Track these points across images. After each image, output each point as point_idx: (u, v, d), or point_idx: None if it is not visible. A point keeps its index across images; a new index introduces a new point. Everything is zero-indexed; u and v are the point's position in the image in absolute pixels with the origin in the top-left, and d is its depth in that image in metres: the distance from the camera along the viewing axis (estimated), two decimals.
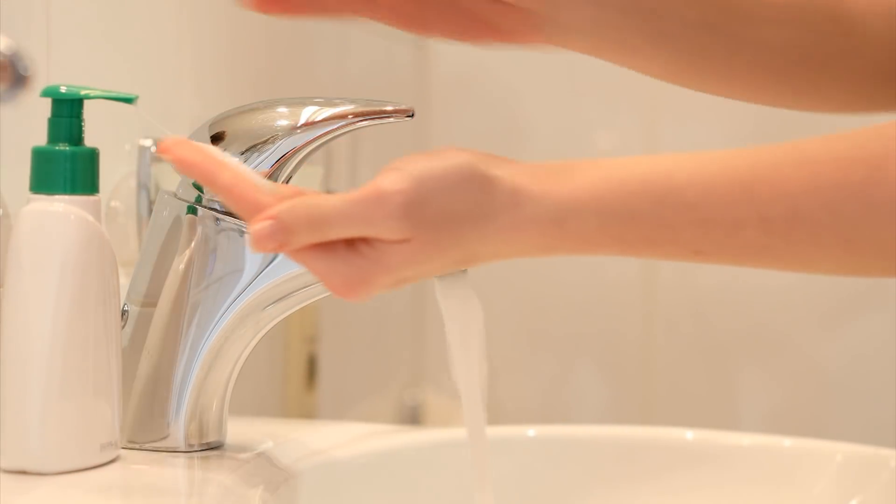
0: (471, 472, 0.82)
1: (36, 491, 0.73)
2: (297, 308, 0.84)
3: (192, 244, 0.83)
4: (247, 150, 0.82)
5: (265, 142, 0.82)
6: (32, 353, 0.75)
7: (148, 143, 1.05)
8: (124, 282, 0.82)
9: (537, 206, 0.70)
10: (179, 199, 0.83)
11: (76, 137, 0.77)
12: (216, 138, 0.82)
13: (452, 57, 1.95)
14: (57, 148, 0.76)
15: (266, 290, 0.82)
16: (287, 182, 0.84)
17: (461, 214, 0.70)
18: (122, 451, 0.80)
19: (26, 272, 0.75)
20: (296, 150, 0.82)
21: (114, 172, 1.03)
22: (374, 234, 0.70)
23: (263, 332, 0.84)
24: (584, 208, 0.70)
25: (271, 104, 0.83)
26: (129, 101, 0.78)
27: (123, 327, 0.83)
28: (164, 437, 0.83)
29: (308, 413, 1.43)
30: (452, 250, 0.71)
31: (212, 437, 0.85)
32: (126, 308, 0.84)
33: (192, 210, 0.83)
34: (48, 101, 0.77)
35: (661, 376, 1.91)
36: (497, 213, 0.71)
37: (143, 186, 1.05)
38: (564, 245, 0.71)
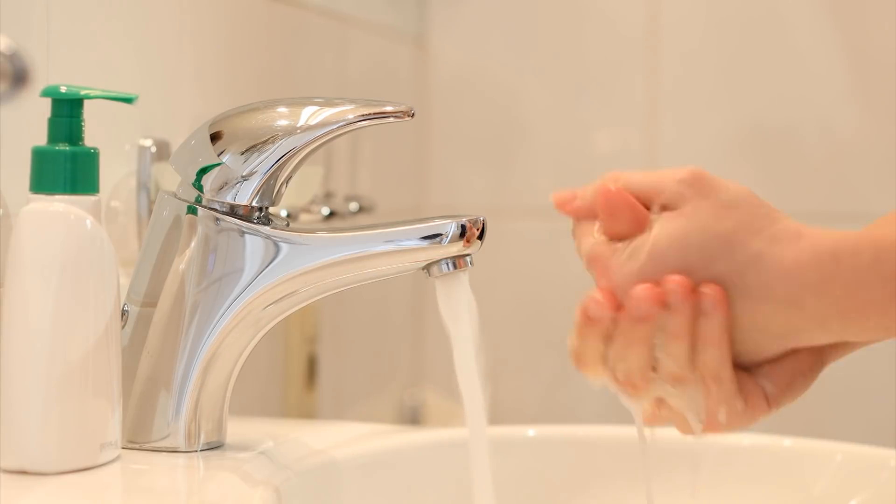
0: (471, 472, 0.82)
1: (36, 491, 0.73)
2: (297, 308, 0.84)
3: (192, 244, 0.83)
4: (247, 150, 0.82)
5: (265, 142, 0.82)
6: (32, 353, 0.75)
7: (148, 143, 1.05)
8: (124, 282, 0.82)
9: (818, 240, 0.71)
10: (179, 199, 0.83)
11: (76, 137, 0.77)
12: (216, 138, 0.82)
13: (452, 57, 1.95)
14: (57, 148, 0.76)
15: (266, 290, 0.82)
16: (287, 183, 0.84)
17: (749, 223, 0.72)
18: (122, 451, 0.80)
19: (26, 272, 0.75)
20: (296, 150, 0.82)
21: (114, 172, 1.03)
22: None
23: (263, 332, 0.84)
24: (860, 243, 0.70)
25: (271, 104, 0.83)
26: (129, 101, 0.78)
27: (123, 327, 0.83)
28: (164, 437, 0.83)
29: (308, 413, 1.43)
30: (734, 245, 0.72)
31: (212, 437, 0.85)
32: (126, 308, 0.84)
33: (192, 210, 0.83)
34: (48, 101, 0.77)
35: None
36: (779, 237, 0.72)
37: (143, 186, 1.05)
38: (836, 281, 0.70)
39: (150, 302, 0.83)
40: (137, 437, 0.83)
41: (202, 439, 0.84)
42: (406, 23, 1.89)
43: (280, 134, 0.82)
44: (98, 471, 0.77)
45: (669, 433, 1.01)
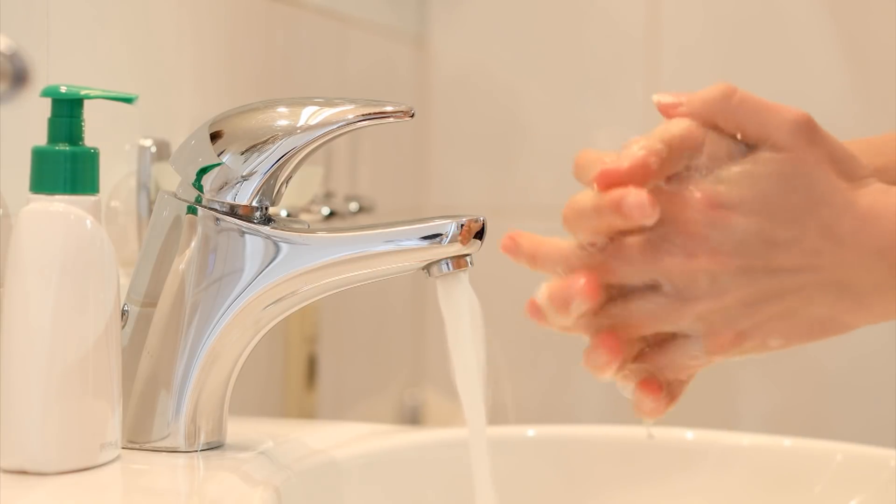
0: (471, 472, 0.82)
1: (36, 491, 0.73)
2: (297, 308, 0.84)
3: (192, 244, 0.83)
4: (247, 150, 0.82)
5: (265, 142, 0.82)
6: (32, 353, 0.75)
7: (148, 143, 1.05)
8: (124, 282, 0.82)
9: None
10: (179, 199, 0.83)
11: (76, 137, 0.77)
12: (216, 138, 0.82)
13: (452, 57, 1.95)
14: (57, 148, 0.76)
15: (266, 290, 0.82)
16: (287, 183, 0.84)
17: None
18: (122, 451, 0.80)
19: (26, 272, 0.75)
20: (296, 150, 0.82)
21: (114, 172, 1.03)
22: None
23: (263, 332, 0.84)
24: None
25: (271, 104, 0.83)
26: (129, 101, 0.78)
27: (123, 327, 0.83)
28: (164, 437, 0.83)
29: (308, 413, 1.43)
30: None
31: (212, 437, 0.85)
32: (126, 308, 0.84)
33: (192, 210, 0.83)
34: (48, 101, 0.77)
35: None
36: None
37: (143, 186, 1.05)
38: None
39: (150, 302, 0.83)
40: (137, 437, 0.83)
41: (202, 439, 0.84)
42: (406, 23, 1.89)
43: (280, 134, 0.82)
44: (98, 471, 0.77)
45: (669, 434, 1.01)
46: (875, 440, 1.02)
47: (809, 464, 0.98)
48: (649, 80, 1.91)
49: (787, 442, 1.00)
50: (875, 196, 0.70)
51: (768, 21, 1.88)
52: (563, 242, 0.74)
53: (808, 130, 0.71)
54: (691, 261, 0.70)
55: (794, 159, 0.70)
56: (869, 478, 0.95)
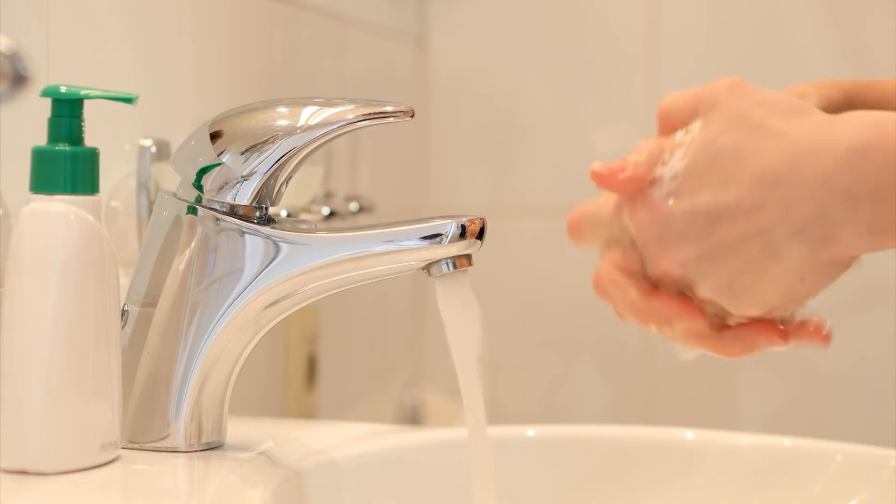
0: (471, 472, 0.82)
1: (36, 491, 0.73)
2: (297, 308, 0.84)
3: (192, 244, 0.83)
4: (247, 150, 0.82)
5: (265, 142, 0.82)
6: (32, 353, 0.75)
7: (148, 143, 1.05)
8: (124, 282, 0.82)
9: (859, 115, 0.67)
10: (179, 199, 0.83)
11: (76, 137, 0.77)
12: (216, 138, 0.82)
13: (452, 57, 1.95)
14: (57, 148, 0.76)
15: (266, 290, 0.82)
16: (287, 183, 0.84)
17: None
18: (122, 451, 0.80)
19: (26, 272, 0.75)
20: (296, 150, 0.82)
21: (114, 172, 1.03)
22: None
23: (263, 332, 0.84)
24: None
25: (271, 104, 0.83)
26: (129, 101, 0.78)
27: (123, 327, 0.83)
28: (164, 437, 0.83)
29: (308, 413, 1.43)
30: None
31: (212, 437, 0.85)
32: (126, 308, 0.84)
33: (192, 210, 0.83)
34: (48, 101, 0.77)
35: (661, 376, 1.91)
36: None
37: (143, 186, 1.05)
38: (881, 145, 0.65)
39: (150, 302, 0.83)
40: (137, 437, 0.83)
41: (202, 439, 0.84)
42: (406, 23, 1.89)
43: (280, 134, 0.82)
44: (98, 471, 0.77)
45: (669, 434, 1.01)
46: (875, 440, 1.02)
47: (809, 464, 0.98)
48: (649, 81, 1.91)
49: (787, 442, 1.00)
50: (814, 128, 0.67)
51: (768, 22, 1.88)
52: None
53: (730, 86, 0.70)
54: (659, 263, 0.71)
55: (716, 119, 0.70)
56: (869, 478, 0.95)
